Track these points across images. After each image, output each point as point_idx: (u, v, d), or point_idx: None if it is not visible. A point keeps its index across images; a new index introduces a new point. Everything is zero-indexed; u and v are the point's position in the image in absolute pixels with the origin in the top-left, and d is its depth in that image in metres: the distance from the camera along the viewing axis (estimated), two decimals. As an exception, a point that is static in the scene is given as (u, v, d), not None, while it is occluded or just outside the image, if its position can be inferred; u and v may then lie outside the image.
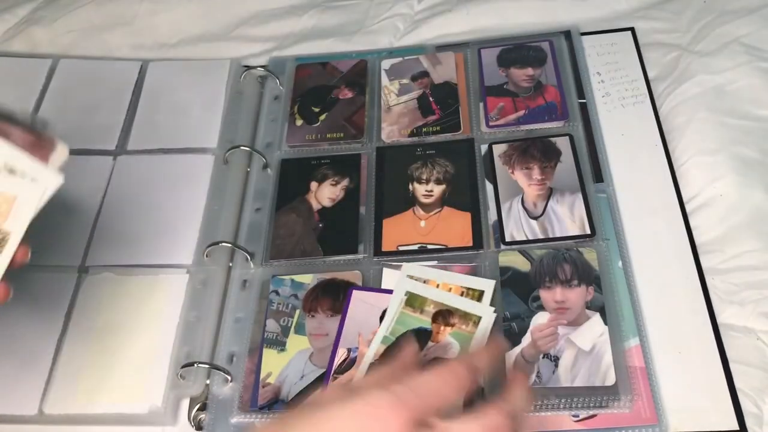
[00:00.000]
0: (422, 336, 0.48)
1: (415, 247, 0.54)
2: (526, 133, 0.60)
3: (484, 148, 0.59)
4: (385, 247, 0.54)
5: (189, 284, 0.54)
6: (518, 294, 0.50)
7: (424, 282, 0.51)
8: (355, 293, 0.51)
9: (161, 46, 0.73)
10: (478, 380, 0.39)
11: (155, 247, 0.56)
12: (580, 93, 0.61)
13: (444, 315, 0.49)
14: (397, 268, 0.53)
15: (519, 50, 0.65)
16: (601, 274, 0.50)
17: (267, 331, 0.51)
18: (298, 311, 0.52)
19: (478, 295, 0.50)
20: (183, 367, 0.50)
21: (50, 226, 0.57)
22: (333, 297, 0.52)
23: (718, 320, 0.49)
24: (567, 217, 0.53)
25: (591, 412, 0.45)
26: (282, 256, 0.55)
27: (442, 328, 0.48)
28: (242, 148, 0.61)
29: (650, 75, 0.63)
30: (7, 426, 0.49)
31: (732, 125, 0.58)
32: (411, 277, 0.51)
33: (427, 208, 0.56)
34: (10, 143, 0.38)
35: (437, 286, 0.51)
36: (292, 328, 0.51)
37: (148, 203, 0.59)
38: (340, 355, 0.49)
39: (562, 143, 0.58)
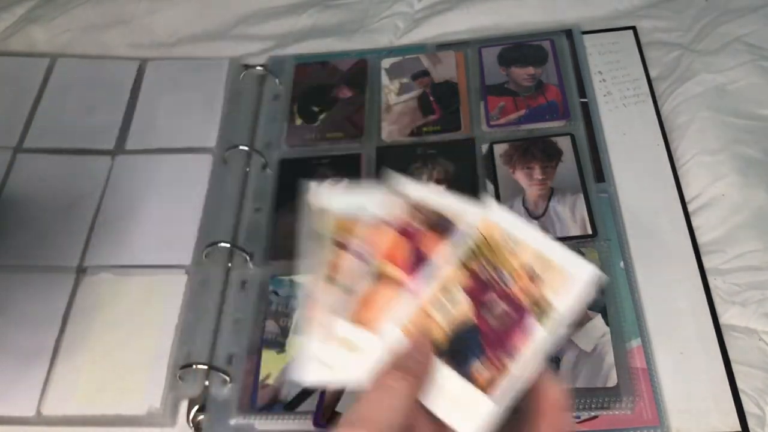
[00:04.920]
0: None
1: (416, 248, 0.54)
2: (527, 132, 0.59)
3: (484, 147, 0.59)
4: (385, 248, 0.54)
5: (188, 285, 0.54)
6: (519, 294, 0.50)
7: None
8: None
9: (159, 45, 0.72)
10: (421, 375, 0.31)
11: (154, 247, 0.56)
12: (582, 92, 0.61)
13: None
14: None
15: (520, 49, 0.65)
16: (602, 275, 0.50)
17: (266, 332, 0.51)
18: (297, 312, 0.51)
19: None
20: (182, 368, 0.49)
21: (48, 226, 0.57)
22: (333, 297, 0.52)
23: (720, 321, 0.49)
24: (568, 217, 0.53)
25: (592, 414, 0.45)
26: (282, 256, 0.55)
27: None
28: (241, 147, 0.61)
29: (652, 74, 0.62)
30: (5, 427, 0.49)
31: (734, 125, 0.58)
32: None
33: (427, 208, 0.56)
34: None
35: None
36: (292, 329, 0.51)
37: (146, 203, 0.58)
38: (340, 356, 0.48)
39: (564, 143, 0.57)
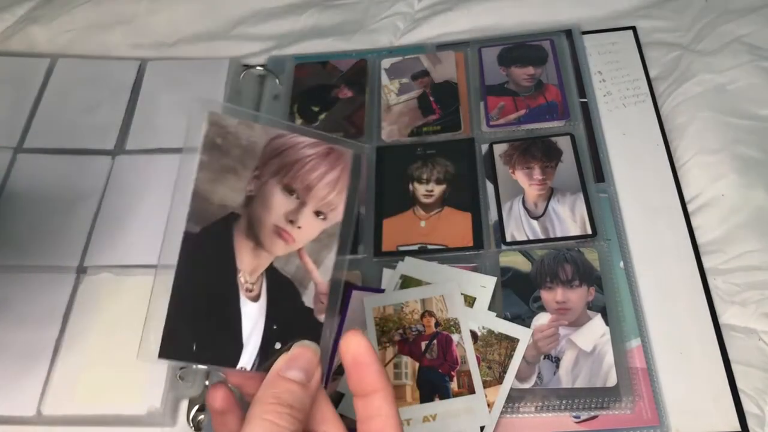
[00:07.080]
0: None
1: (416, 248, 0.54)
2: (526, 132, 0.59)
3: (484, 147, 0.59)
4: (385, 248, 0.54)
5: (188, 284, 0.54)
6: (519, 294, 0.50)
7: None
8: (355, 293, 0.51)
9: (160, 45, 0.72)
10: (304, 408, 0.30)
11: (154, 247, 0.56)
12: (581, 92, 0.61)
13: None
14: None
15: (520, 49, 0.65)
16: (602, 275, 0.50)
17: (266, 332, 0.51)
18: (297, 312, 0.51)
19: (471, 302, 0.49)
20: (182, 368, 0.49)
21: (48, 226, 0.57)
22: (333, 297, 0.52)
23: (720, 321, 0.49)
24: (568, 217, 0.53)
25: (592, 414, 0.45)
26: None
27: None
28: (241, 147, 0.61)
29: (652, 74, 0.63)
30: (5, 427, 0.49)
31: (734, 125, 0.58)
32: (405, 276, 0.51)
33: (427, 208, 0.56)
34: None
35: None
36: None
37: (146, 203, 0.58)
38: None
39: (563, 143, 0.57)
